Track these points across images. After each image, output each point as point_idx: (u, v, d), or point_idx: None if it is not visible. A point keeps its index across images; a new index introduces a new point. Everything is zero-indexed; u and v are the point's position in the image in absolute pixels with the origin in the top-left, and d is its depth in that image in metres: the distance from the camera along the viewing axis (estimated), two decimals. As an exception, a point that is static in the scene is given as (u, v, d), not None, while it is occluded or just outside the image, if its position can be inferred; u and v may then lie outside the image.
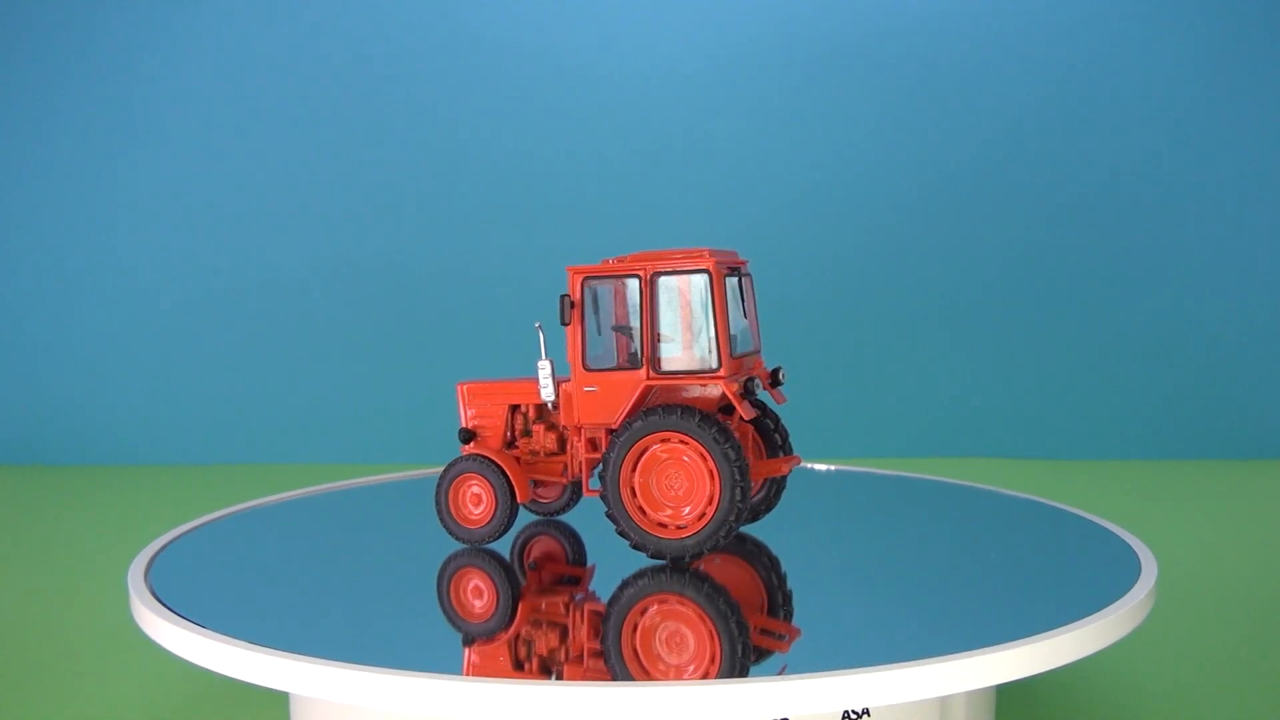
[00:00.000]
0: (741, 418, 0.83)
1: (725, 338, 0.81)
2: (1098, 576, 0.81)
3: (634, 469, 0.83)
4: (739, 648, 0.66)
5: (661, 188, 2.47)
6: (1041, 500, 1.09)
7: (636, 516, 0.83)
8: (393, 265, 2.47)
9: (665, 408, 0.81)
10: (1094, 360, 2.45)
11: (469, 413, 0.97)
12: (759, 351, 0.89)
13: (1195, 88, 2.44)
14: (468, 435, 0.96)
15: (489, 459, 0.92)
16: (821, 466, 1.34)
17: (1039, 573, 0.85)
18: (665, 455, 0.82)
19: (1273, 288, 2.44)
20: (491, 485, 0.91)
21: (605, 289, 0.87)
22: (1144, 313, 2.45)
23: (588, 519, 0.96)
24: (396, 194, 2.47)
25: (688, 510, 0.81)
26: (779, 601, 0.77)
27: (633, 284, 0.85)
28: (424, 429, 2.40)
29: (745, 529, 0.94)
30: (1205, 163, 2.44)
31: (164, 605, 0.74)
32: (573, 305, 0.86)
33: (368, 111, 2.47)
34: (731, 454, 0.78)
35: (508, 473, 0.91)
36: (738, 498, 0.79)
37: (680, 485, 0.81)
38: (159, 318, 2.46)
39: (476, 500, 0.93)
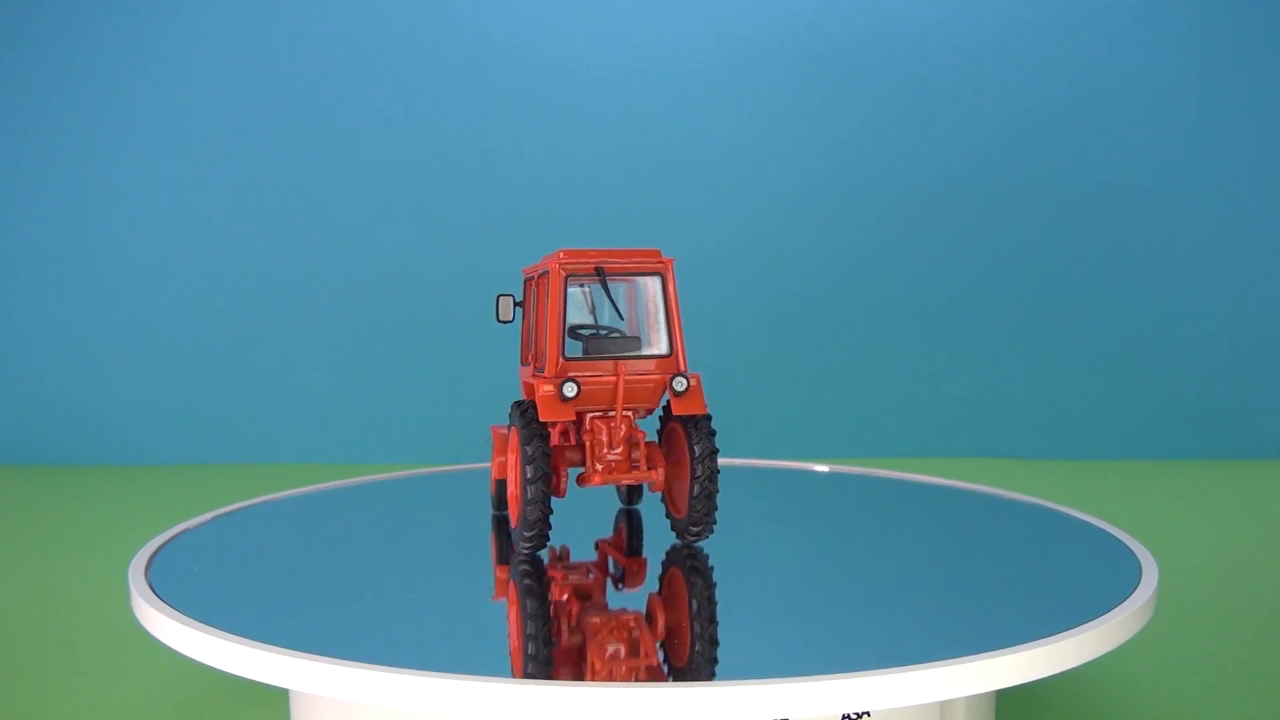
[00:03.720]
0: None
1: (553, 338, 0.82)
2: (1099, 580, 0.81)
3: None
4: (534, 647, 0.67)
5: (661, 188, 2.47)
6: (1041, 502, 1.09)
7: (511, 507, 0.87)
8: (393, 265, 2.47)
9: (519, 402, 0.84)
10: (1094, 360, 2.45)
11: None
12: (671, 355, 0.85)
13: (1195, 88, 2.44)
14: None
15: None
16: (821, 467, 1.34)
17: (1039, 576, 0.85)
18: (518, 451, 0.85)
19: (1273, 288, 2.44)
20: None
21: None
22: (1144, 313, 2.45)
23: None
24: (397, 194, 2.48)
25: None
26: (689, 629, 0.72)
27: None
28: (424, 429, 2.41)
29: (705, 544, 0.90)
30: (1205, 162, 2.44)
31: (164, 602, 0.74)
32: (518, 304, 0.92)
33: (368, 112, 2.47)
34: (528, 452, 0.80)
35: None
36: (527, 496, 0.80)
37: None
38: (159, 318, 2.46)
39: None
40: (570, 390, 0.80)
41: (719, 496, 0.86)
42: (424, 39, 2.46)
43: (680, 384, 0.83)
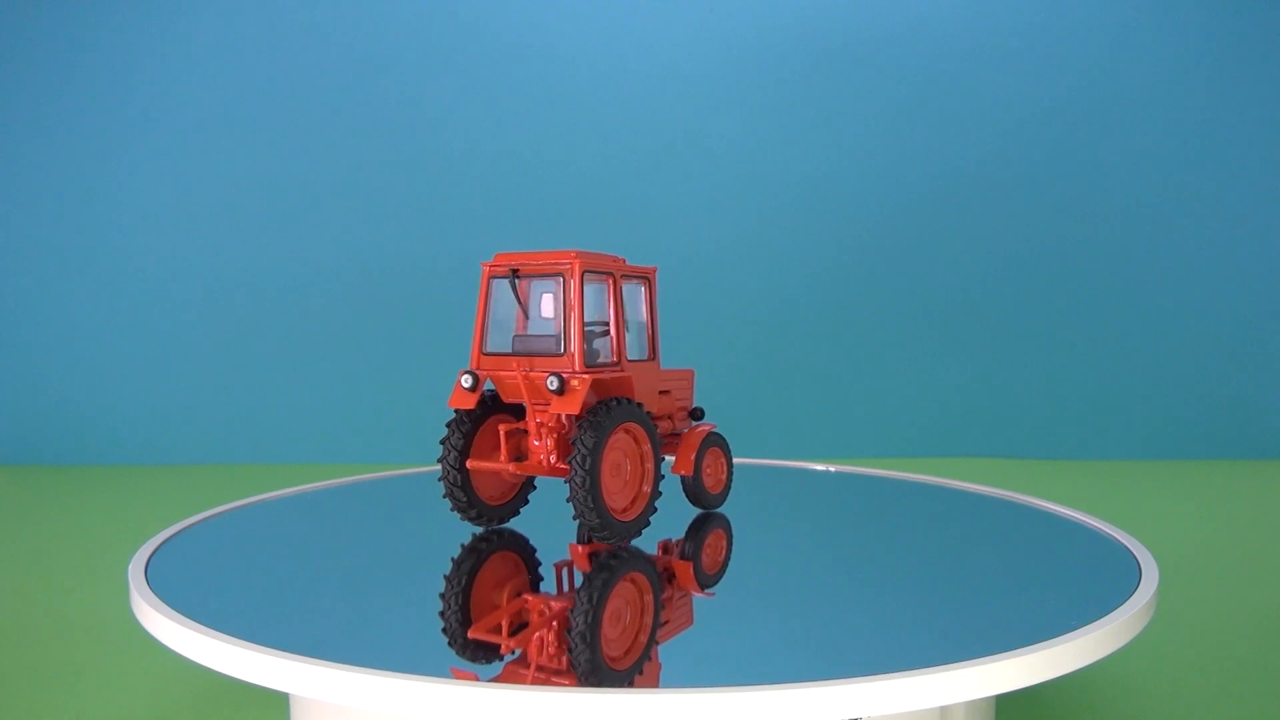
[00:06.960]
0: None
1: (476, 334, 0.90)
2: (1098, 582, 0.81)
3: None
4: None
5: (660, 187, 2.47)
6: (1041, 502, 1.09)
7: None
8: (392, 266, 2.47)
9: None
10: (1094, 360, 2.45)
11: None
12: (565, 354, 0.86)
13: (1196, 88, 2.44)
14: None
15: None
16: (821, 467, 1.34)
17: (1039, 577, 0.85)
18: None
19: (1273, 288, 2.44)
20: None
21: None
22: (1144, 313, 2.45)
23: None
24: (396, 194, 2.48)
25: None
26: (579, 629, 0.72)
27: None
28: (423, 429, 2.41)
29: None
30: (1205, 163, 2.44)
31: (164, 602, 0.74)
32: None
33: (368, 112, 2.47)
34: (444, 433, 0.91)
35: None
36: (439, 473, 0.90)
37: None
38: (159, 318, 2.46)
39: None
40: (467, 382, 0.89)
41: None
42: (423, 40, 2.46)
43: (551, 383, 0.83)
